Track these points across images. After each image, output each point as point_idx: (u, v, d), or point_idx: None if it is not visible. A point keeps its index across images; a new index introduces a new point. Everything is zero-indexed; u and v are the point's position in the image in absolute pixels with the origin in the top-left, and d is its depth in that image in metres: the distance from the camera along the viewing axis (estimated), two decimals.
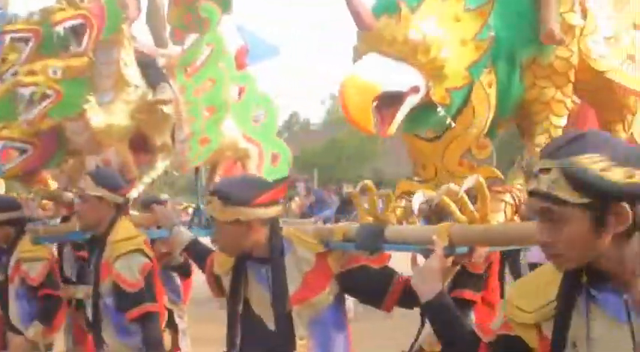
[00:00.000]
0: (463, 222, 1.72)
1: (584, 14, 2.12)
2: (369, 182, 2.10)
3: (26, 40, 3.45)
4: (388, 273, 2.12)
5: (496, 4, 1.96)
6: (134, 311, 2.75)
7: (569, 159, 1.18)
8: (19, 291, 3.40)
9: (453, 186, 1.76)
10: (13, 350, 3.37)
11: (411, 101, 1.85)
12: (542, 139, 2.19)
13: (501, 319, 1.43)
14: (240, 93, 4.94)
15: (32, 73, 3.17)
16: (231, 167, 5.31)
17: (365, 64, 1.82)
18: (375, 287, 2.12)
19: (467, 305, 2.51)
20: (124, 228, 2.88)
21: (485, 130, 2.09)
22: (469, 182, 1.71)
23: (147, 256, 2.84)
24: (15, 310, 3.37)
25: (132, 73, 3.63)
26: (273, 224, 2.18)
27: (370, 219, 2.02)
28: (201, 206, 4.40)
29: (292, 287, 2.13)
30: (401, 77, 1.83)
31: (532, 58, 2.12)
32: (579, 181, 1.17)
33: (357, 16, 1.84)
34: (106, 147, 3.59)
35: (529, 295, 1.39)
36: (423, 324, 2.58)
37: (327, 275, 2.13)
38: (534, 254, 6.78)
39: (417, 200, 1.83)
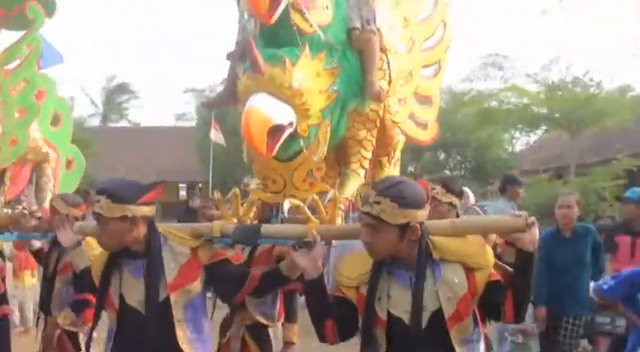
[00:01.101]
0: (316, 223, 2.45)
1: (389, 82, 2.95)
2: (237, 190, 2.69)
3: None
4: (244, 271, 2.63)
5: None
6: None
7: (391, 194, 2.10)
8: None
9: (315, 197, 2.49)
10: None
11: (287, 132, 2.46)
12: (356, 166, 2.95)
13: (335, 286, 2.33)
14: (40, 96, 4.96)
15: None
16: (19, 171, 5.22)
17: (261, 101, 2.38)
18: (233, 280, 2.60)
19: None
20: None
21: (323, 157, 2.78)
22: (329, 196, 2.46)
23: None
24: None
25: None
26: (150, 222, 2.52)
27: (234, 219, 2.62)
28: None
29: (170, 276, 2.50)
30: (284, 114, 2.43)
31: (354, 108, 2.86)
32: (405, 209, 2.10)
33: (254, 62, 2.38)
34: None
35: (353, 267, 2.30)
36: None
37: (198, 266, 2.55)
38: None
39: (286, 206, 2.50)
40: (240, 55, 2.82)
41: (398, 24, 3.13)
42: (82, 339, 4.05)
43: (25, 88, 4.32)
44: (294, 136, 2.51)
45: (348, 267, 2.32)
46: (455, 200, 3.30)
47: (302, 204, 2.53)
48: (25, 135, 4.39)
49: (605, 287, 4.09)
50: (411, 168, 19.81)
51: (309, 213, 2.50)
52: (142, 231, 2.49)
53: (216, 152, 23.56)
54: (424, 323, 2.15)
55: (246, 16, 2.68)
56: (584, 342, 5.27)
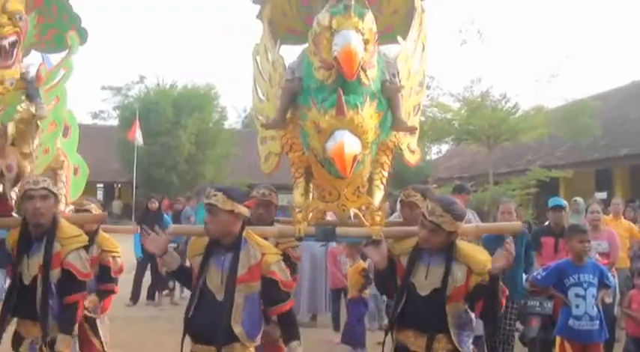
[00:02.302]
0: (375, 227, 3.33)
1: None
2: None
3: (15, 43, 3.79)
4: (283, 298, 3.16)
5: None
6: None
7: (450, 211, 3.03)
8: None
9: (373, 206, 3.40)
10: None
11: (358, 159, 3.26)
12: (378, 183, 3.78)
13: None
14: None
15: (1, 82, 3.52)
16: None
17: (348, 137, 3.18)
18: (270, 300, 3.18)
19: None
20: (68, 227, 3.52)
21: (366, 177, 3.62)
22: (376, 200, 3.35)
23: None
24: None
25: None
26: (244, 223, 3.20)
27: (305, 223, 3.42)
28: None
29: (241, 271, 3.11)
30: (358, 145, 3.22)
31: (381, 140, 3.66)
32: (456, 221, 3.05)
33: (340, 106, 3.15)
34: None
35: (399, 243, 3.27)
36: None
37: (260, 271, 3.14)
38: None
39: (352, 213, 3.35)
40: (291, 91, 3.61)
41: (405, 76, 3.96)
42: (99, 325, 4.62)
43: (56, 104, 4.82)
44: (357, 162, 3.31)
45: (397, 241, 3.34)
46: None
47: (359, 213, 3.39)
48: (54, 146, 4.90)
49: (539, 277, 5.21)
50: None
51: (363, 219, 3.38)
52: (238, 227, 3.17)
53: (139, 153, 23.64)
54: (427, 292, 3.15)
55: (316, 66, 3.43)
56: (517, 323, 6.37)
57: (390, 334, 3.31)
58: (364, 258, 7.12)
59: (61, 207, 5.21)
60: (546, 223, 7.37)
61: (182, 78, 53.94)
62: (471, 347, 3.23)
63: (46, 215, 3.42)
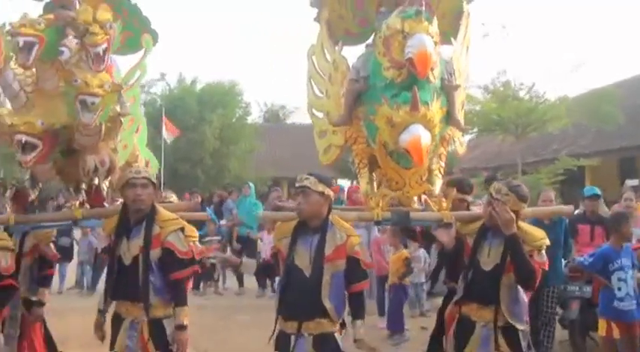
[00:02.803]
0: (446, 211, 3.69)
1: None
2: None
3: (32, 45, 3.86)
4: (364, 275, 3.53)
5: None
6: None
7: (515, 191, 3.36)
8: None
9: (437, 193, 3.70)
10: None
11: (429, 150, 3.63)
12: (437, 172, 4.10)
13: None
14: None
15: (100, 85, 3.87)
16: None
17: (423, 131, 3.52)
18: (352, 277, 3.48)
19: None
20: (165, 212, 3.87)
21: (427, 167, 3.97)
22: (437, 188, 3.74)
23: None
24: None
25: None
26: (330, 205, 3.53)
27: (379, 208, 3.77)
28: None
29: (328, 251, 3.43)
30: (430, 138, 3.58)
31: (440, 133, 3.95)
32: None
33: (415, 103, 3.49)
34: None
35: (468, 225, 3.59)
36: None
37: (345, 251, 3.48)
38: None
39: (416, 201, 3.69)
40: (357, 90, 3.91)
41: (458, 75, 4.20)
42: None
43: (132, 103, 5.18)
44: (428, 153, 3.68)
45: (465, 223, 3.70)
46: (466, 196, 4.53)
47: (429, 201, 3.75)
48: (132, 141, 5.28)
49: (586, 263, 5.54)
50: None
51: (431, 206, 3.73)
52: (325, 209, 3.50)
53: (166, 149, 24.02)
54: (490, 268, 3.48)
55: (385, 66, 3.74)
56: (557, 307, 6.67)
57: (441, 314, 3.71)
58: (406, 246, 7.49)
59: None
60: (577, 211, 7.67)
61: (202, 74, 54.12)
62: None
63: (145, 201, 3.75)
